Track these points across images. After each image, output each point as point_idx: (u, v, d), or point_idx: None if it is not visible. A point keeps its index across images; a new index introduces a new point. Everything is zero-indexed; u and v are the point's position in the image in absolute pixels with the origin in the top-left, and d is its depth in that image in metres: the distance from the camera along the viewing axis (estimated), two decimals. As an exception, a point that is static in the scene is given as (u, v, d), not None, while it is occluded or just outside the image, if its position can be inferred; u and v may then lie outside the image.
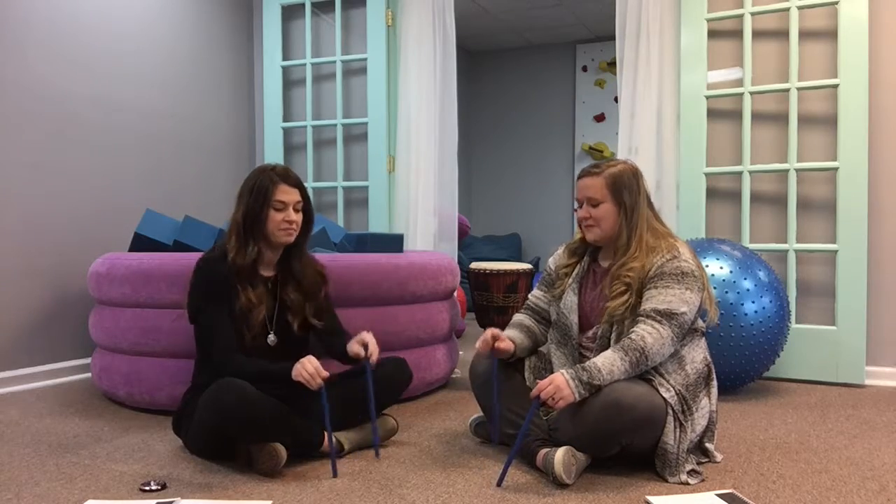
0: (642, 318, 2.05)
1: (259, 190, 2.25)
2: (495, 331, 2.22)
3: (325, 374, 2.11)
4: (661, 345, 2.02)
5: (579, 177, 2.23)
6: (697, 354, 2.14)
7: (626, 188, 2.15)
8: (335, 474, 2.08)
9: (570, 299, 2.27)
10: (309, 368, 2.10)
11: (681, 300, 2.04)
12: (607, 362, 1.99)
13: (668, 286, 2.05)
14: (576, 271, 2.30)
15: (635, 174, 2.20)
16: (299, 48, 4.62)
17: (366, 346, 2.29)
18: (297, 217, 2.30)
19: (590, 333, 2.21)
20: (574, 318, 2.24)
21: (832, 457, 2.29)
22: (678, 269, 2.07)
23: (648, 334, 2.01)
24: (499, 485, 2.01)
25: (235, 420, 2.03)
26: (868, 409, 2.93)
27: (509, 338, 2.28)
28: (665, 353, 2.04)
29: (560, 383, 1.96)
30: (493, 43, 7.42)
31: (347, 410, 2.29)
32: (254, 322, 2.26)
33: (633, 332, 2.04)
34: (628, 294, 2.09)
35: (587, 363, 2.00)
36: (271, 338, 2.32)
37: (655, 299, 2.05)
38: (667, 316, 2.03)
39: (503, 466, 2.04)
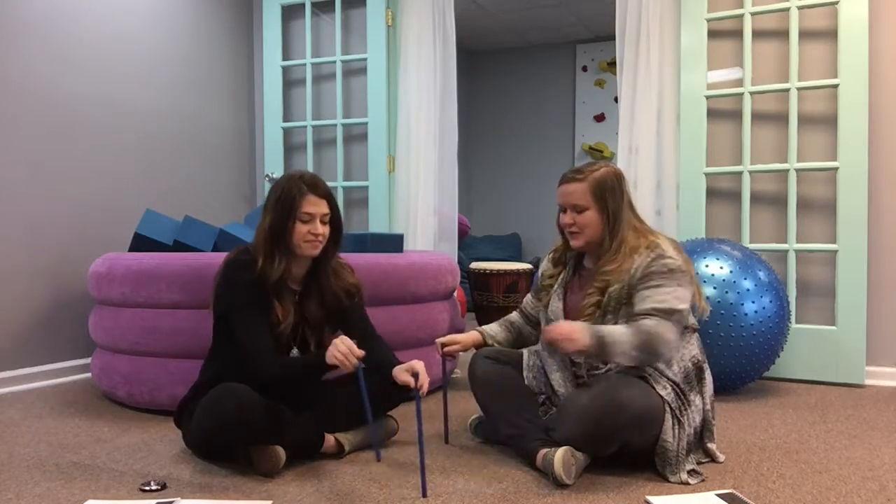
0: (645, 316, 2.02)
1: (285, 200, 2.16)
2: (443, 339, 2.38)
3: (360, 352, 2.05)
4: (670, 338, 1.99)
5: (561, 182, 2.18)
6: (685, 353, 2.12)
7: (610, 193, 2.12)
8: (378, 458, 2.18)
9: (556, 305, 2.26)
10: (342, 348, 2.04)
11: (675, 297, 2.03)
12: (615, 332, 1.98)
13: (660, 285, 2.03)
14: (561, 277, 2.30)
15: (618, 177, 2.16)
16: (299, 48, 4.62)
17: (416, 376, 2.10)
18: (324, 230, 2.20)
19: None
20: None
21: (832, 457, 2.29)
22: (665, 266, 2.04)
23: (660, 326, 1.98)
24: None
25: (234, 427, 2.03)
26: (868, 409, 2.93)
27: (480, 330, 2.44)
28: (672, 347, 2.01)
29: (575, 327, 1.98)
30: (493, 43, 7.42)
31: (351, 412, 2.29)
32: (279, 336, 2.20)
33: (643, 320, 2.00)
34: (601, 295, 2.09)
35: (599, 325, 2.03)
36: (294, 352, 2.27)
37: (652, 299, 2.03)
38: (668, 313, 2.01)
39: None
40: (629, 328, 2.00)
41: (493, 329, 2.46)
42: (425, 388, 2.09)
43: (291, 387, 2.24)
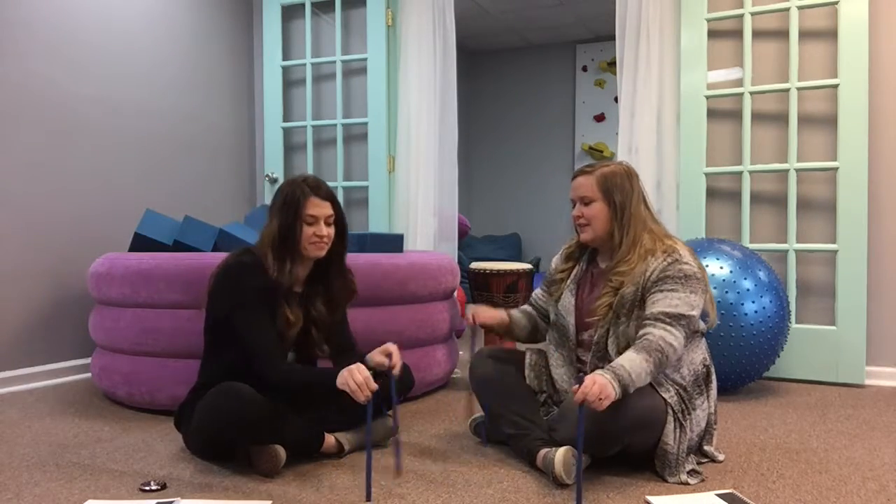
0: (652, 322, 2.01)
1: (290, 203, 2.18)
2: (476, 309, 2.33)
3: (375, 386, 1.98)
4: (676, 345, 1.99)
5: (573, 177, 2.23)
6: (696, 356, 2.14)
7: (618, 188, 2.15)
8: (368, 498, 1.91)
9: (567, 300, 2.27)
10: (358, 378, 1.97)
11: (686, 303, 2.03)
12: (635, 366, 1.91)
13: (673, 290, 2.04)
14: (574, 273, 2.31)
15: (629, 175, 2.18)
16: (299, 48, 4.62)
17: (389, 356, 2.18)
18: (329, 231, 2.23)
19: (586, 336, 2.20)
20: (571, 320, 2.24)
21: (832, 457, 2.29)
22: (681, 272, 2.05)
23: (666, 335, 1.98)
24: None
25: (235, 425, 2.03)
26: (868, 409, 2.93)
27: (510, 315, 2.39)
28: (679, 351, 2.00)
29: (604, 383, 1.84)
30: (493, 43, 7.42)
31: (349, 411, 2.28)
32: (286, 339, 2.22)
33: (648, 334, 1.99)
34: (614, 295, 2.09)
35: (614, 364, 1.91)
36: (290, 355, 2.29)
37: (662, 303, 2.03)
38: (676, 318, 2.01)
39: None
40: (640, 355, 1.94)
41: (517, 316, 2.42)
42: (398, 368, 2.17)
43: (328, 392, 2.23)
